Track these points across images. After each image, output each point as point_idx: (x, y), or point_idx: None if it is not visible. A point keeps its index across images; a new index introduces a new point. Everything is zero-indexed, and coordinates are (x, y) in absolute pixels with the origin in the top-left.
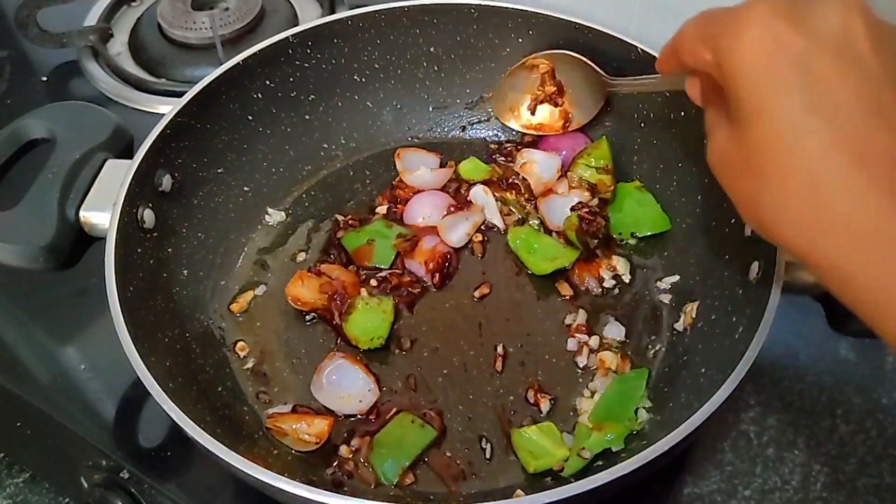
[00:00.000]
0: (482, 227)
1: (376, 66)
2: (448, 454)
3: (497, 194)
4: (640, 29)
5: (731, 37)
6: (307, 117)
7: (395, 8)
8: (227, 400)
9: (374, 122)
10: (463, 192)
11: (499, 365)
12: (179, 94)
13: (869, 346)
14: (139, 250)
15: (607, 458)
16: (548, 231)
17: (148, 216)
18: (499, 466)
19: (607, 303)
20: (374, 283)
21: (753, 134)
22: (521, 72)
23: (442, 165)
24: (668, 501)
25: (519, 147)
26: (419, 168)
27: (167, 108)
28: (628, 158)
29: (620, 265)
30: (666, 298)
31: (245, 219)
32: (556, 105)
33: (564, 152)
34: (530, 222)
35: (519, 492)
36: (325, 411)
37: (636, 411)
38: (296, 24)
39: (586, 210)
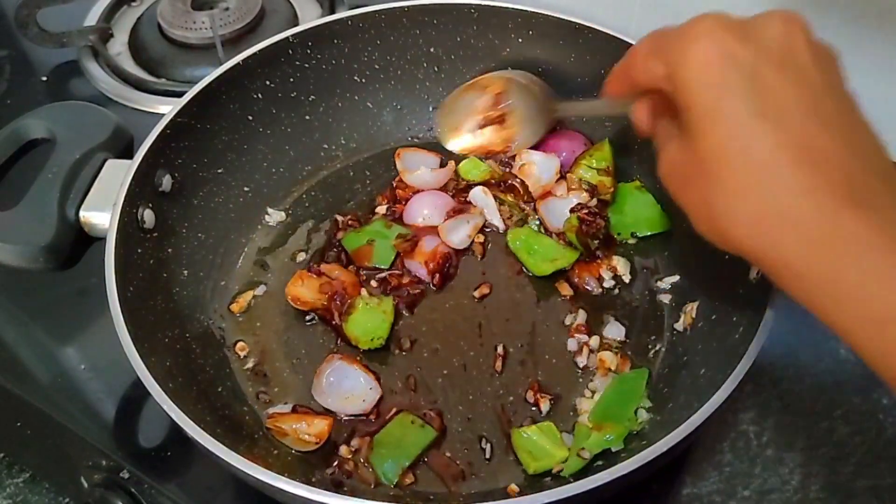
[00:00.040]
0: (483, 229)
1: (376, 66)
2: (448, 454)
3: (496, 195)
4: (640, 29)
5: (682, 49)
6: (307, 117)
7: (395, 8)
8: (227, 400)
9: (374, 122)
10: (463, 192)
11: (499, 365)
12: (179, 94)
13: None
14: (139, 250)
15: (607, 458)
16: (548, 232)
17: (148, 216)
18: (499, 466)
19: (607, 303)
20: (374, 283)
21: (705, 139)
22: (470, 91)
23: (442, 165)
24: (668, 501)
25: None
26: (419, 168)
27: (167, 108)
28: (628, 158)
29: (620, 265)
30: (666, 298)
31: (245, 219)
32: (502, 126)
33: (564, 154)
34: (530, 223)
35: (512, 486)
36: (325, 411)
37: (636, 411)
38: (296, 24)
39: (586, 211)
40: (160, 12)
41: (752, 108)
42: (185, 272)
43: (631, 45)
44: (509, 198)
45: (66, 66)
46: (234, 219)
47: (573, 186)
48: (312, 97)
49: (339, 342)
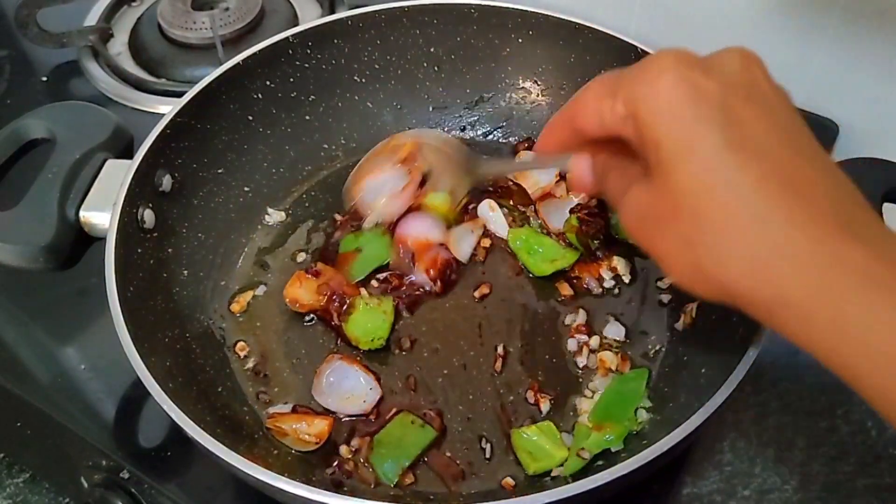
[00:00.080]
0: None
1: (376, 66)
2: (448, 454)
3: (496, 202)
4: (640, 29)
5: (646, 83)
6: (307, 117)
7: (395, 8)
8: (227, 400)
9: (374, 122)
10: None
11: (499, 365)
12: (179, 94)
13: None
14: (139, 250)
15: (607, 458)
16: (548, 233)
17: (148, 216)
18: (499, 466)
19: (607, 303)
20: (374, 283)
21: (680, 175)
22: (384, 152)
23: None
24: (668, 501)
25: (517, 150)
26: (381, 197)
27: (167, 108)
28: None
29: (620, 265)
30: (666, 298)
31: (245, 219)
32: (418, 191)
33: None
34: (531, 224)
35: (508, 479)
36: (325, 411)
37: (636, 411)
38: (296, 24)
39: (586, 212)
40: (160, 12)
41: (728, 140)
42: (185, 272)
43: (631, 45)
44: (507, 202)
45: (66, 66)
46: (234, 219)
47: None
48: (312, 97)
49: (338, 342)
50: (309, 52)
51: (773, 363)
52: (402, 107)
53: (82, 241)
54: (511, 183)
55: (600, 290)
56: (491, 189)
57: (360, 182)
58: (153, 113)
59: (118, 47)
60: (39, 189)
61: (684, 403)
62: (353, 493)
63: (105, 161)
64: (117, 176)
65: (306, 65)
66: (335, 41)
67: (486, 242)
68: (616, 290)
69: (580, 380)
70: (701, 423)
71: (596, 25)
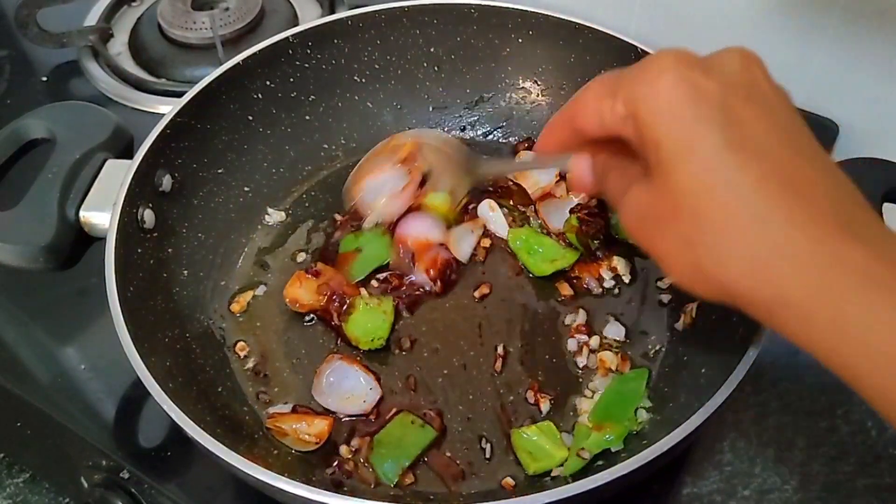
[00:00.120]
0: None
1: (376, 66)
2: (448, 454)
3: (496, 202)
4: (640, 29)
5: (646, 83)
6: (307, 117)
7: (395, 8)
8: (227, 400)
9: (374, 122)
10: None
11: (499, 365)
12: (179, 94)
13: None
14: (139, 250)
15: (607, 458)
16: (548, 233)
17: (148, 216)
18: (499, 466)
19: (607, 303)
20: (374, 283)
21: (681, 174)
22: (384, 152)
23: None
24: (668, 501)
25: (517, 150)
26: (381, 197)
27: (167, 108)
28: None
29: (620, 265)
30: (666, 298)
31: (245, 219)
32: (419, 191)
33: None
34: (531, 224)
35: (508, 479)
36: (325, 411)
37: (636, 411)
38: (296, 24)
39: (585, 212)
40: (160, 12)
41: (728, 140)
42: (185, 272)
43: (631, 45)
44: (507, 202)
45: (66, 66)
46: (234, 219)
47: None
48: (312, 97)
49: (338, 342)
50: (309, 52)
51: (773, 363)
52: (402, 107)
53: (82, 241)
54: (511, 183)
55: (600, 290)
56: (491, 189)
57: (360, 182)
58: (153, 113)
59: (118, 47)
60: (39, 189)
61: (684, 403)
62: (353, 493)
63: (105, 161)
64: (117, 176)
65: (306, 65)
66: (335, 41)
67: (486, 242)
68: (616, 290)
69: (580, 380)
70: (701, 423)
71: (596, 25)
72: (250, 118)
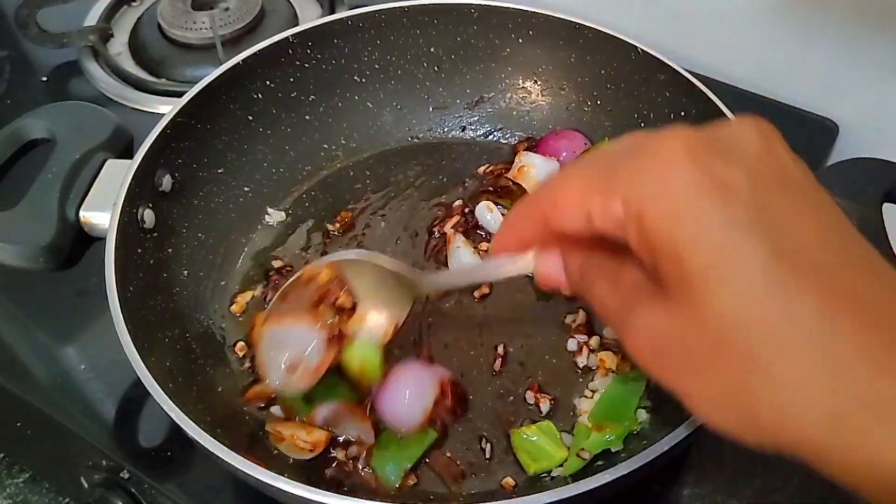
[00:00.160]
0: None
1: (376, 66)
2: (448, 454)
3: (494, 201)
4: (640, 29)
5: (652, 178)
6: (307, 117)
7: (395, 8)
8: (227, 400)
9: (374, 122)
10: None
11: (498, 365)
12: (179, 94)
13: None
14: (139, 250)
15: (607, 458)
16: None
17: (148, 216)
18: (499, 466)
19: None
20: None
21: (718, 301)
22: (296, 290)
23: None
24: (668, 501)
25: (517, 150)
26: (283, 357)
27: (167, 108)
28: None
29: None
30: None
31: (245, 219)
32: (347, 319)
33: (564, 154)
34: None
35: (508, 479)
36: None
37: (636, 411)
38: (296, 24)
39: None
40: (160, 12)
41: (774, 250)
42: (185, 272)
43: (631, 45)
44: (507, 202)
45: (66, 66)
46: (234, 219)
47: None
48: (312, 97)
49: None
50: (309, 52)
51: None
52: (402, 107)
53: (82, 241)
54: (511, 183)
55: None
56: (490, 189)
57: (262, 326)
58: (153, 113)
59: (118, 47)
60: (39, 189)
61: None
62: (353, 493)
63: (105, 161)
64: (117, 176)
65: (306, 65)
66: (335, 41)
67: (485, 245)
68: None
69: (580, 380)
70: (701, 423)
71: (596, 25)
72: (250, 118)
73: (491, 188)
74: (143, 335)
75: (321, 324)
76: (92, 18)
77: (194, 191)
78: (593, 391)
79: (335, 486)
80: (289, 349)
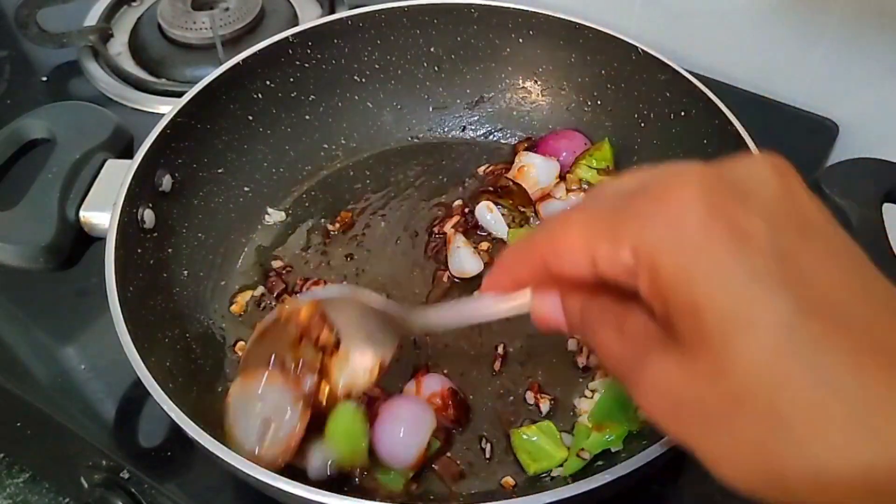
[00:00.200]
0: (490, 238)
1: (376, 66)
2: (448, 454)
3: (494, 201)
4: (640, 29)
5: (664, 224)
6: (307, 117)
7: (395, 8)
8: None
9: (374, 122)
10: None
11: (498, 365)
12: (179, 94)
13: None
14: (139, 250)
15: (607, 458)
16: None
17: (148, 216)
18: (499, 466)
19: None
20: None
21: (740, 357)
22: (275, 328)
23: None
24: (668, 502)
25: (517, 150)
26: (254, 422)
27: (167, 108)
28: (628, 158)
29: None
30: None
31: (245, 219)
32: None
33: (564, 154)
34: (531, 223)
35: (508, 479)
36: None
37: (636, 411)
38: (296, 24)
39: None
40: (160, 12)
41: (799, 302)
42: (185, 272)
43: (631, 44)
44: (507, 202)
45: (66, 66)
46: (234, 219)
47: (573, 186)
48: (312, 97)
49: None
50: (309, 52)
51: None
52: (402, 107)
53: (82, 241)
54: (511, 183)
55: None
56: (491, 189)
57: (235, 384)
58: (153, 113)
59: (118, 47)
60: (39, 189)
61: None
62: (353, 493)
63: (105, 161)
64: (117, 176)
65: (306, 65)
66: (335, 41)
67: (485, 245)
68: None
69: (580, 380)
70: None
71: (596, 25)
72: (250, 118)
73: (491, 188)
74: (143, 335)
75: (294, 387)
76: (92, 18)
77: (194, 191)
78: (593, 391)
79: (335, 487)
80: (261, 415)
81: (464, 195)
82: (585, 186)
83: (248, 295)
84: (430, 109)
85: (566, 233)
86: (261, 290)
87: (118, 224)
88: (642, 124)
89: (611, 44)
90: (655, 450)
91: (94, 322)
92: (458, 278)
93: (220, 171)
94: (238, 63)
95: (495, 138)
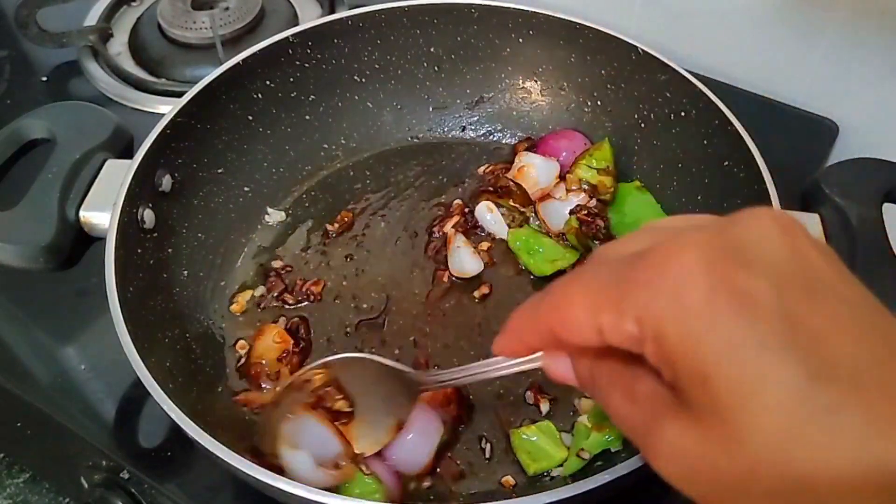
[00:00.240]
0: (490, 238)
1: (376, 66)
2: (448, 454)
3: (494, 201)
4: (640, 29)
5: (667, 295)
6: (307, 117)
7: (395, 8)
8: (227, 400)
9: (374, 122)
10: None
11: None
12: (179, 94)
13: None
14: (139, 250)
15: (607, 458)
16: (548, 233)
17: (148, 216)
18: (499, 466)
19: None
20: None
21: (752, 429)
22: (290, 395)
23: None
24: (668, 501)
25: (517, 150)
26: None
27: (167, 108)
28: (628, 158)
29: None
30: None
31: (245, 219)
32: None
33: (564, 154)
34: (531, 223)
35: (508, 479)
36: None
37: None
38: (296, 24)
39: (585, 213)
40: (160, 12)
41: (809, 372)
42: (185, 272)
43: (631, 44)
44: (507, 202)
45: (66, 66)
46: (234, 219)
47: (573, 187)
48: (312, 97)
49: None
50: (309, 52)
51: None
52: (402, 107)
53: (82, 241)
54: (511, 183)
55: None
56: (491, 189)
57: (270, 445)
58: (153, 113)
59: (118, 47)
60: (39, 189)
61: None
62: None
63: (105, 161)
64: (117, 176)
65: (306, 65)
66: (335, 41)
67: (485, 245)
68: None
69: None
70: None
71: (596, 25)
72: (250, 118)
73: (491, 188)
74: (143, 335)
75: (326, 390)
76: (92, 18)
77: (194, 191)
78: None
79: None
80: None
81: (464, 195)
82: (585, 186)
83: (248, 295)
84: (430, 109)
85: (570, 304)
86: (261, 290)
87: (118, 224)
88: (642, 124)
89: (611, 44)
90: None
91: (94, 322)
92: (458, 278)
93: (220, 171)
94: (238, 63)
95: (495, 138)
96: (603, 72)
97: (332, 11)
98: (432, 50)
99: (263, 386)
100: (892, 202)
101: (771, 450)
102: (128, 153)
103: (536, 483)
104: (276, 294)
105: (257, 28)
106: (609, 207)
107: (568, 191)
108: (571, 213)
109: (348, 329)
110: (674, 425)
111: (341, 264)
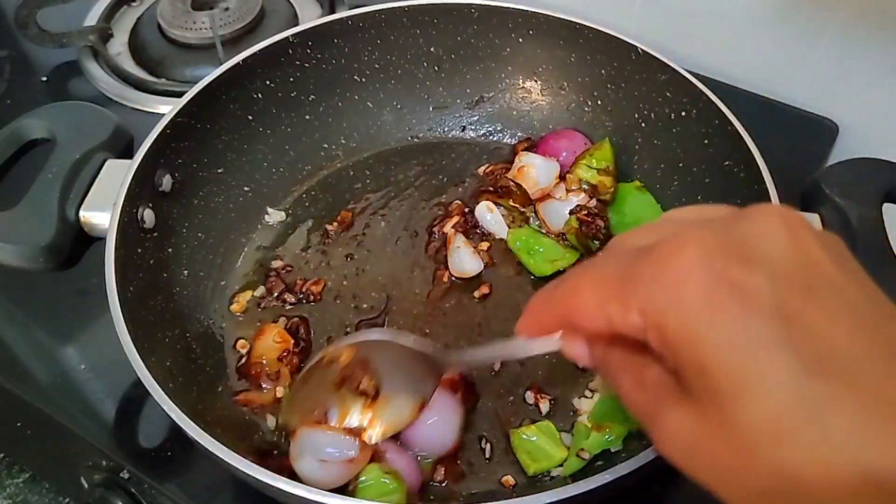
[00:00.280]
0: (490, 238)
1: (376, 66)
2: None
3: (494, 201)
4: (640, 29)
5: (668, 289)
6: (307, 117)
7: (395, 8)
8: (227, 400)
9: (374, 122)
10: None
11: (498, 365)
12: (179, 94)
13: None
14: (139, 250)
15: (607, 458)
16: (548, 233)
17: (148, 216)
18: (499, 466)
19: None
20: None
21: (748, 417)
22: (317, 372)
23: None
24: (668, 502)
25: (517, 150)
26: (316, 460)
27: (167, 108)
28: (628, 158)
29: None
30: None
31: (245, 219)
32: (371, 405)
33: (564, 154)
34: (531, 223)
35: (508, 479)
36: None
37: None
38: (296, 24)
39: (585, 213)
40: (160, 12)
41: (803, 365)
42: (185, 272)
43: (631, 45)
44: (507, 202)
45: (66, 66)
46: (234, 219)
47: (573, 187)
48: (312, 97)
49: None
50: (309, 52)
51: None
52: (402, 107)
53: (82, 241)
54: (511, 183)
55: None
56: (491, 189)
57: (296, 422)
58: (153, 113)
59: (118, 47)
60: (39, 189)
61: None
62: (353, 494)
63: (105, 161)
64: (117, 176)
65: (306, 65)
66: (335, 41)
67: (485, 245)
68: None
69: (580, 380)
70: None
71: (596, 25)
72: (250, 118)
73: (491, 188)
74: (143, 335)
75: (352, 367)
76: (92, 18)
77: (194, 191)
78: (593, 391)
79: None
80: (324, 452)
81: (464, 195)
82: (585, 186)
83: (248, 295)
84: (430, 109)
85: (581, 293)
86: (261, 289)
87: (118, 224)
88: (642, 124)
89: (611, 44)
90: (655, 450)
91: (94, 322)
92: (458, 278)
93: (220, 171)
94: (238, 63)
95: (495, 138)
96: (603, 72)
97: (332, 11)
98: (432, 50)
99: (263, 386)
100: (892, 202)
101: (764, 440)
102: (128, 153)
103: (536, 483)
104: (276, 294)
105: (257, 28)
106: (609, 207)
107: (568, 191)
108: (571, 213)
109: (348, 329)
110: (676, 411)
111: (341, 264)
